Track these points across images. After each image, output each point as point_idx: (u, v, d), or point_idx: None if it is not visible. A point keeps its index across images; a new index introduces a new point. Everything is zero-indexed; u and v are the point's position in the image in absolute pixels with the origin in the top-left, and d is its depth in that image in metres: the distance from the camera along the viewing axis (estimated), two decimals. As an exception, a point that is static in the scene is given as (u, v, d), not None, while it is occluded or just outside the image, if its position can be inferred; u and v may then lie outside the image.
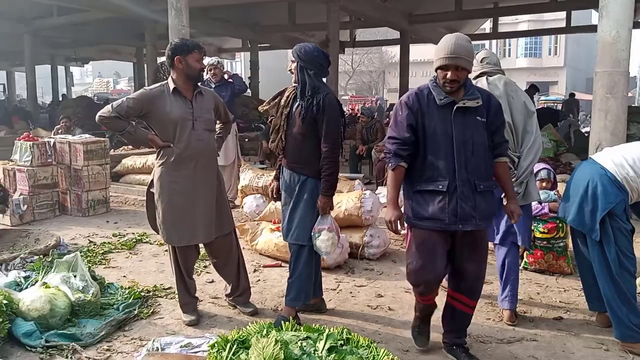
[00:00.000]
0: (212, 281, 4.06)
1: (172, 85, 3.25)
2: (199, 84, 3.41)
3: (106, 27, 15.90)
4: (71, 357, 2.87)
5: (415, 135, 2.68)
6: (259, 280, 4.16)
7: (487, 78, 3.34)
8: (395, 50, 28.37)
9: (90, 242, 5.23)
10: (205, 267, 4.35)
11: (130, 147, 8.75)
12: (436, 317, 3.01)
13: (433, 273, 2.73)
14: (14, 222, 5.87)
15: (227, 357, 2.28)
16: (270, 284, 4.07)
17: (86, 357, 2.90)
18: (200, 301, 3.63)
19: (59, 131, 9.14)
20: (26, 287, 3.67)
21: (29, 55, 16.65)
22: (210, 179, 3.36)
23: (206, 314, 3.52)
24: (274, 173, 3.58)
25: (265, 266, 4.48)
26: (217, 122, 3.63)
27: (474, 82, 4.22)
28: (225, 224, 3.47)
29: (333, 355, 2.25)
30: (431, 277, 2.75)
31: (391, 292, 3.90)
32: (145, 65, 16.85)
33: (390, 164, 2.73)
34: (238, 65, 37.68)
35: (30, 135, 6.59)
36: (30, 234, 5.12)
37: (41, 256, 4.29)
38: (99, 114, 3.24)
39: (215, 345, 2.36)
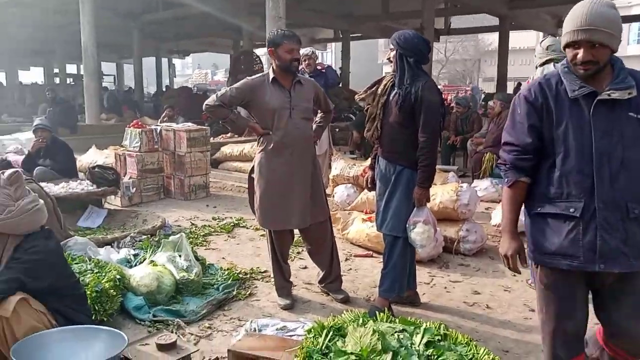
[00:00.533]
0: (305, 267, 4.13)
1: (271, 75, 3.35)
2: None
3: (205, 21, 16.64)
4: (176, 332, 3.04)
5: (540, 138, 2.01)
6: (350, 269, 4.17)
7: (554, 65, 3.07)
8: (492, 38, 27.12)
9: (192, 224, 5.52)
10: (298, 253, 4.43)
11: (229, 135, 9.12)
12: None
13: (570, 323, 2.05)
14: (123, 204, 6.34)
15: (323, 343, 2.31)
16: (362, 274, 4.07)
17: (189, 333, 3.07)
18: (294, 286, 3.71)
19: (164, 119, 9.72)
20: (135, 265, 3.95)
21: (137, 48, 17.87)
22: (306, 167, 3.41)
23: (300, 299, 3.59)
24: (364, 163, 3.56)
25: (356, 255, 4.48)
26: (318, 111, 3.67)
27: (538, 70, 3.84)
28: (320, 211, 3.50)
29: (431, 350, 2.20)
30: (569, 326, 2.05)
31: (489, 289, 3.74)
32: (242, 57, 17.43)
33: (506, 180, 2.12)
34: (329, 56, 37.93)
35: (139, 123, 7.06)
36: (139, 214, 5.51)
37: (148, 236, 4.59)
38: (205, 102, 3.44)
39: (312, 330, 2.40)
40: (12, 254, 2.33)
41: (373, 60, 35.27)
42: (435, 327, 2.37)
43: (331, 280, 3.63)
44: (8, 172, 2.47)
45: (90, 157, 7.75)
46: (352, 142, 8.87)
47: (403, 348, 2.18)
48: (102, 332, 2.31)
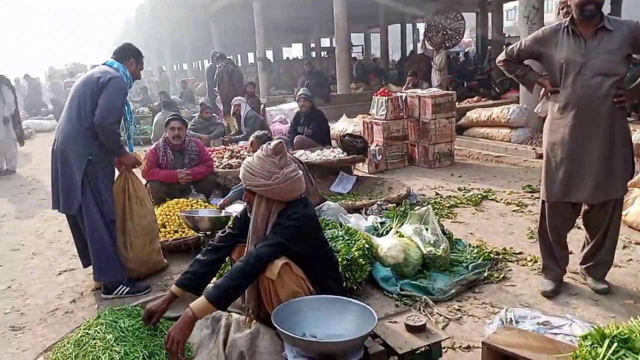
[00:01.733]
0: (571, 252, 3.55)
1: (567, 23, 2.86)
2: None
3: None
4: (423, 310, 2.91)
5: None
6: (630, 259, 3.44)
7: None
8: None
9: (437, 194, 5.33)
10: (559, 234, 3.85)
11: (475, 99, 8.60)
12: None
13: None
14: (370, 170, 6.51)
15: (604, 355, 1.87)
16: (648, 267, 3.31)
17: (437, 313, 2.90)
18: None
19: (408, 86, 9.67)
20: (382, 233, 3.96)
21: (383, 16, 18.20)
22: (597, 132, 2.81)
23: (565, 289, 3.08)
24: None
25: (638, 243, 3.69)
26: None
27: None
28: (614, 187, 2.88)
29: None
30: None
31: None
32: (490, 14, 16.27)
33: None
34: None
35: (386, 91, 7.10)
36: (385, 182, 5.55)
37: (394, 205, 4.57)
38: (497, 58, 3.24)
39: (589, 337, 1.97)
40: (277, 220, 2.46)
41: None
42: None
43: (595, 263, 3.06)
44: (274, 142, 2.61)
45: (341, 125, 8.17)
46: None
47: None
48: (352, 305, 2.29)
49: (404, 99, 6.76)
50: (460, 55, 23.97)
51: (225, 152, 5.90)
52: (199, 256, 2.66)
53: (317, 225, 2.61)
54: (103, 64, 3.45)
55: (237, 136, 7.59)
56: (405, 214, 4.18)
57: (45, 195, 6.53)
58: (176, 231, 4.25)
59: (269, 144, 2.61)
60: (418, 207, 4.28)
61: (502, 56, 3.19)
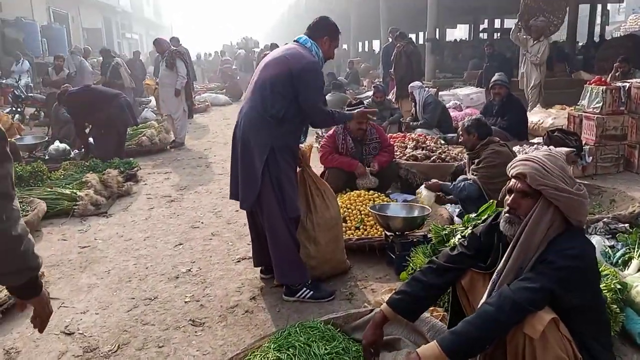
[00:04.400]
0: None
1: None
2: None
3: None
4: None
5: None
6: None
7: None
8: None
9: (677, 214, 4.18)
10: None
11: None
12: None
13: None
14: (575, 174, 5.45)
15: None
16: None
17: None
18: None
19: (616, 74, 8.15)
20: (615, 263, 3.09)
21: (575, -6, 16.00)
22: None
23: None
24: None
25: None
26: None
27: None
28: None
29: None
30: None
31: None
32: None
33: None
34: None
35: (603, 79, 5.90)
36: (604, 192, 4.51)
37: (627, 225, 3.60)
38: None
39: None
40: (545, 252, 1.80)
41: None
42: None
43: None
44: (564, 150, 1.99)
45: (537, 117, 7.10)
46: None
47: None
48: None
49: (627, 89, 5.53)
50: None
51: (409, 141, 5.32)
52: (418, 274, 2.10)
53: (597, 268, 1.90)
54: (295, 41, 3.07)
55: (414, 122, 6.96)
56: (653, 241, 3.24)
57: (221, 171, 6.60)
58: (357, 228, 3.81)
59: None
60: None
61: None
